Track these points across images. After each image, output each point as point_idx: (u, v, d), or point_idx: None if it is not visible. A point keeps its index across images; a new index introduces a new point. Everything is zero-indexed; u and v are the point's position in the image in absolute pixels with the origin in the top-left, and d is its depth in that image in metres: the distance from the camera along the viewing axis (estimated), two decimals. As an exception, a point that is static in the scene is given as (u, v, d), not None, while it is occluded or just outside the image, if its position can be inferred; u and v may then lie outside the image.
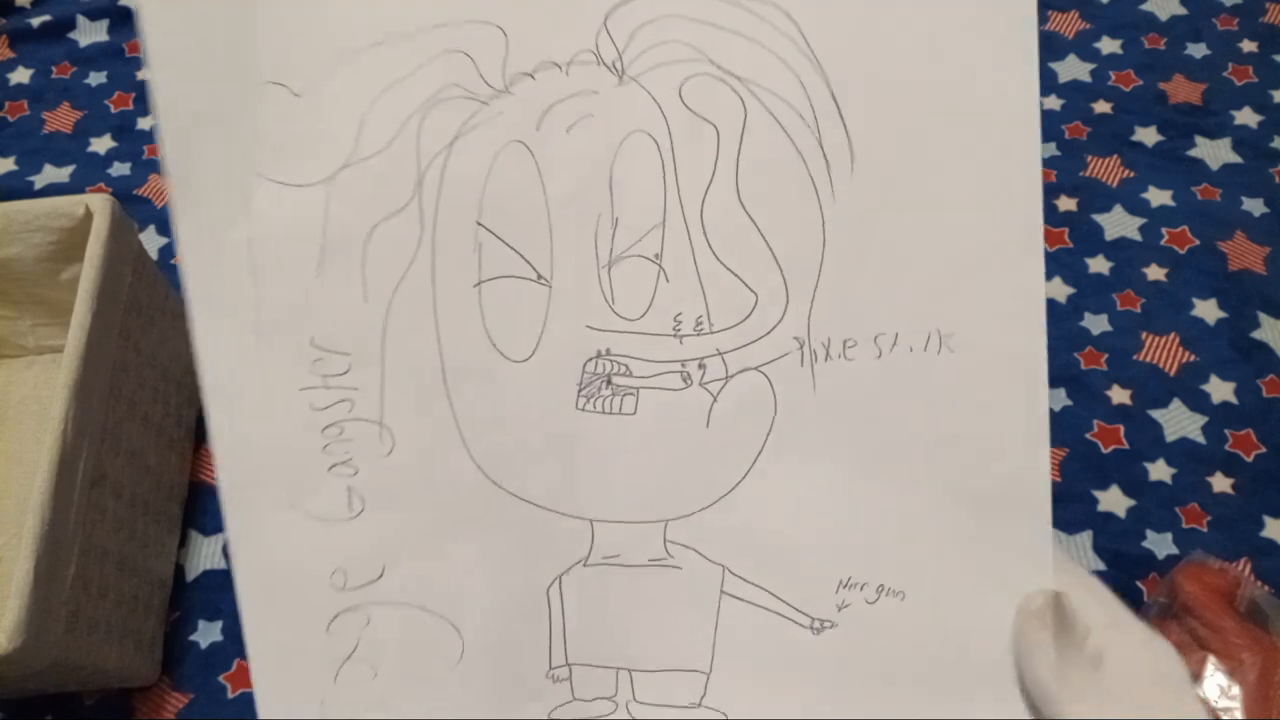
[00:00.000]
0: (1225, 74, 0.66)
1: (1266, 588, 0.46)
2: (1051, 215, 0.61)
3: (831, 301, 0.25)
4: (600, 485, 0.25)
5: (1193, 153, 0.63)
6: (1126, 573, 0.49)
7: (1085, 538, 0.50)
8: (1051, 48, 0.69)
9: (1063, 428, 0.54)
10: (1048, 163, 0.63)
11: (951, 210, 0.24)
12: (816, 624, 0.26)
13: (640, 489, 0.26)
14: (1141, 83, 0.66)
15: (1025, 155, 0.24)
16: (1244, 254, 0.59)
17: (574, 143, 0.24)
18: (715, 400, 0.25)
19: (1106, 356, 0.56)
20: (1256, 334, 0.56)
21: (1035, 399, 0.25)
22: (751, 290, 0.25)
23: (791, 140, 0.24)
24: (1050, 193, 0.62)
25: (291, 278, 0.24)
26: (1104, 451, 0.53)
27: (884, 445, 0.25)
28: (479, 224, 0.24)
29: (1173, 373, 0.55)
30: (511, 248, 0.24)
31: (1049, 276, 0.59)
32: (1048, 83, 0.67)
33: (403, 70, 0.23)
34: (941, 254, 0.24)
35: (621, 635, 0.26)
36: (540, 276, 0.24)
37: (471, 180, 0.24)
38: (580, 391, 0.25)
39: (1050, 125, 0.65)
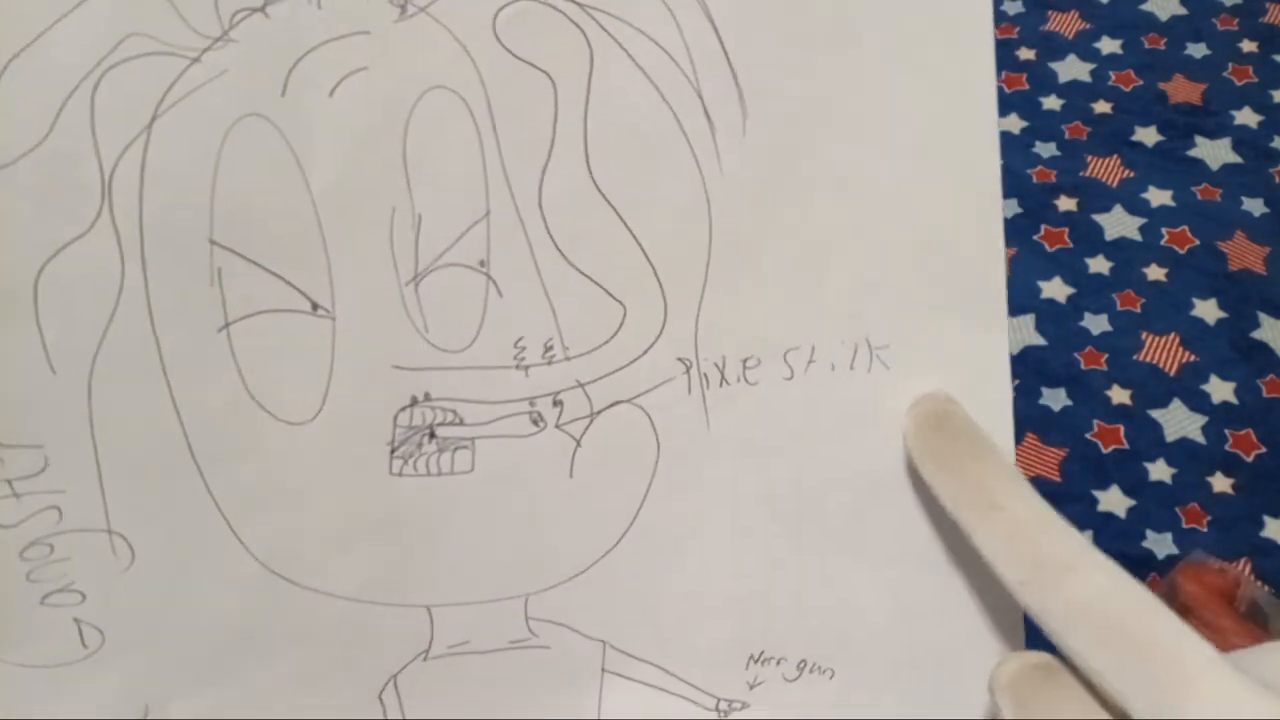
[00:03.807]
0: (1225, 74, 0.66)
1: (1266, 588, 0.46)
2: (1051, 215, 0.61)
3: (724, 308, 0.19)
4: (436, 564, 0.19)
5: (1193, 153, 0.63)
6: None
7: (1085, 538, 0.50)
8: (1051, 48, 0.69)
9: (1062, 428, 0.54)
10: (1047, 163, 0.63)
11: (881, 182, 0.18)
12: (724, 706, 0.21)
13: (488, 563, 0.20)
14: (1141, 83, 0.66)
15: (980, 111, 0.18)
16: (1244, 254, 0.59)
17: (341, 110, 0.17)
18: (579, 444, 0.19)
19: (1106, 356, 0.56)
20: (1256, 334, 0.56)
21: (1000, 426, 0.19)
22: (616, 299, 0.18)
23: (658, 91, 0.17)
24: (1050, 192, 0.62)
25: None
26: (1104, 451, 0.53)
27: (800, 490, 0.20)
28: (212, 241, 0.17)
29: (1173, 373, 0.55)
30: (267, 270, 0.17)
31: (1048, 276, 0.59)
32: (1048, 83, 0.67)
33: (49, 13, 0.16)
34: (869, 240, 0.18)
35: None
36: (316, 306, 0.18)
37: (189, 177, 0.17)
38: (394, 452, 0.19)
39: (1050, 125, 0.65)
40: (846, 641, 0.20)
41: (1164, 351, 0.56)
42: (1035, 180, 0.62)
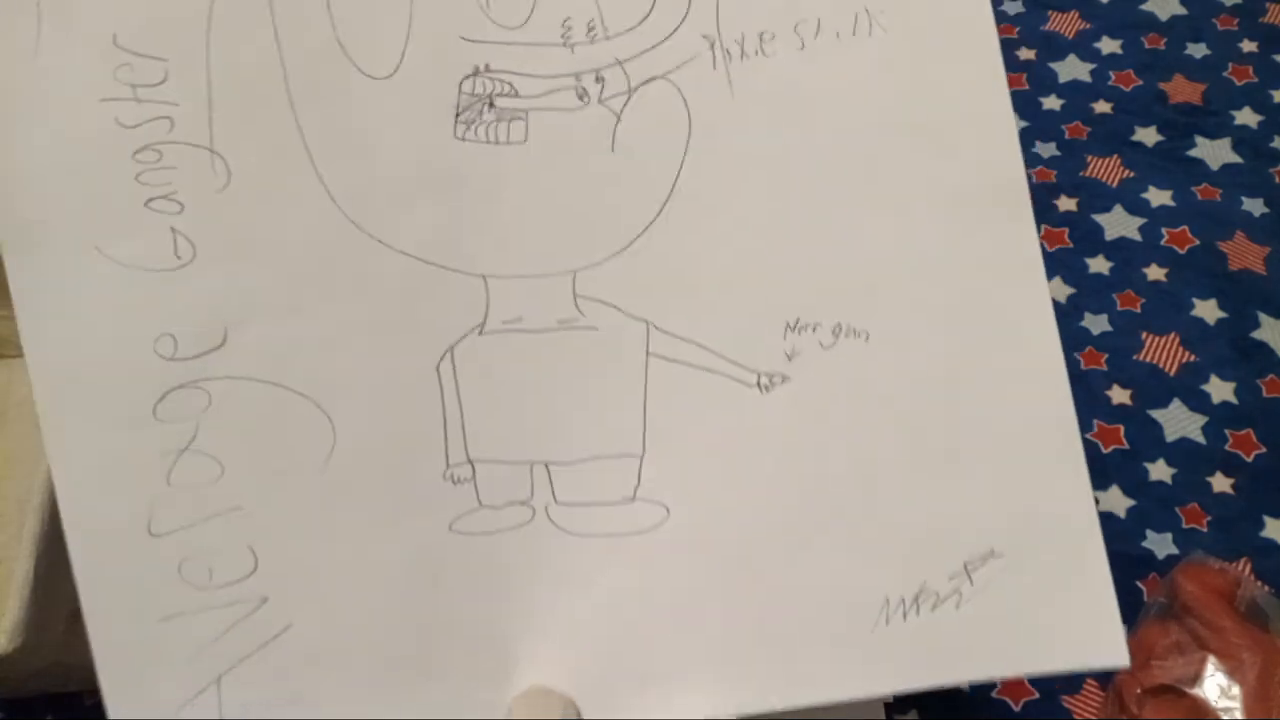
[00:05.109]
0: (1225, 74, 0.66)
1: (1266, 588, 0.46)
2: (1051, 215, 0.61)
3: None
4: (490, 231, 0.21)
5: (1193, 153, 0.63)
6: (1126, 573, 0.49)
7: (1085, 538, 0.50)
8: (1051, 48, 0.69)
9: (1063, 428, 0.54)
10: (1047, 163, 0.63)
11: None
12: (764, 379, 0.22)
13: (539, 233, 0.22)
14: (1141, 83, 0.66)
15: None
16: (1244, 254, 0.59)
17: None
18: (619, 118, 0.21)
19: (1106, 356, 0.56)
20: (1256, 334, 0.56)
21: (991, 71, 0.21)
22: None
23: None
24: (1050, 193, 0.62)
25: None
26: (1104, 451, 0.53)
27: (821, 153, 0.21)
28: None
29: (1173, 373, 0.55)
30: None
31: (1049, 276, 0.58)
32: (1048, 83, 0.67)
33: None
34: None
35: (531, 419, 0.22)
36: None
37: None
38: (458, 117, 0.21)
39: (1050, 125, 0.65)
40: (875, 295, 0.21)
41: (1164, 351, 0.56)
42: (1035, 180, 0.62)
